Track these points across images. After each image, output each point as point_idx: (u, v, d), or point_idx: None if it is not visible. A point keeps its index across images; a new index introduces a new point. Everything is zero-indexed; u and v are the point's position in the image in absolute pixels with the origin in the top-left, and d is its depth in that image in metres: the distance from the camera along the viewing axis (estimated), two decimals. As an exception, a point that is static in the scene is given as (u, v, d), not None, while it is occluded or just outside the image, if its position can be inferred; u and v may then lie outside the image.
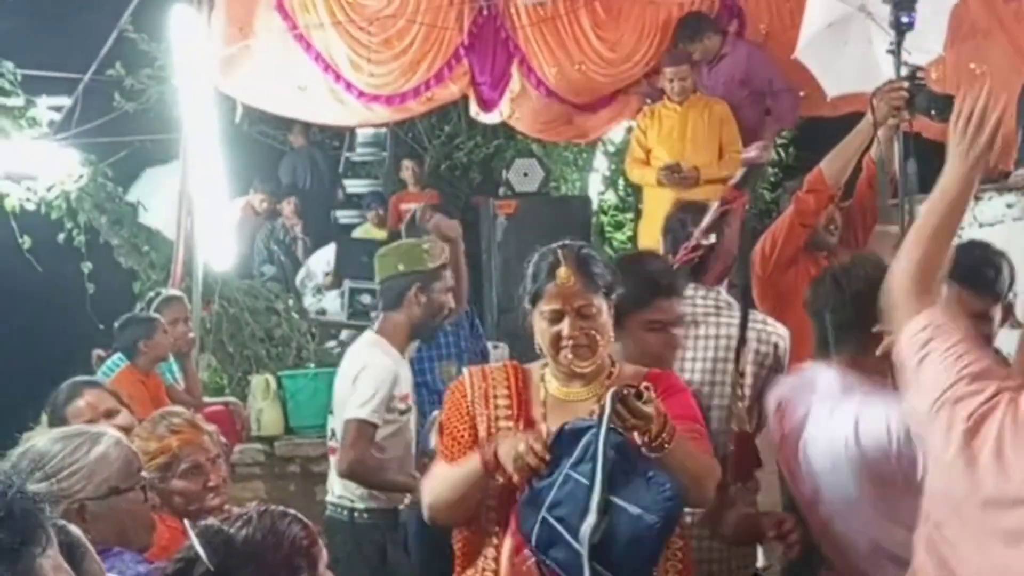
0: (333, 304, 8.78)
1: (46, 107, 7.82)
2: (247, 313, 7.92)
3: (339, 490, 4.59)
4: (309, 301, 8.99)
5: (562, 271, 3.01)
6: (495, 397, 3.08)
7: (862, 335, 3.04)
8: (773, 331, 3.95)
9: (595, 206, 10.01)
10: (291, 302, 8.41)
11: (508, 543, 2.99)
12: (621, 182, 10.49)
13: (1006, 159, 7.01)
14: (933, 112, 4.71)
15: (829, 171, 4.94)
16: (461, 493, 3.01)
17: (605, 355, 3.09)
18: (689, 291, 3.87)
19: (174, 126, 7.80)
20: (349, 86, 7.90)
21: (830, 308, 3.20)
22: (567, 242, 3.14)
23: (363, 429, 4.37)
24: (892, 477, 2.88)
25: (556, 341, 3.02)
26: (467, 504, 3.03)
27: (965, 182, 2.59)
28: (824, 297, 3.24)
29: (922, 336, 2.45)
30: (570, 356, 3.01)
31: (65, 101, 7.90)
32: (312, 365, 7.69)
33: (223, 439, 5.37)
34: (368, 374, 4.42)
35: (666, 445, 2.83)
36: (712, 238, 3.95)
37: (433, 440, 3.32)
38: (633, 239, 9.02)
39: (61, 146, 7.72)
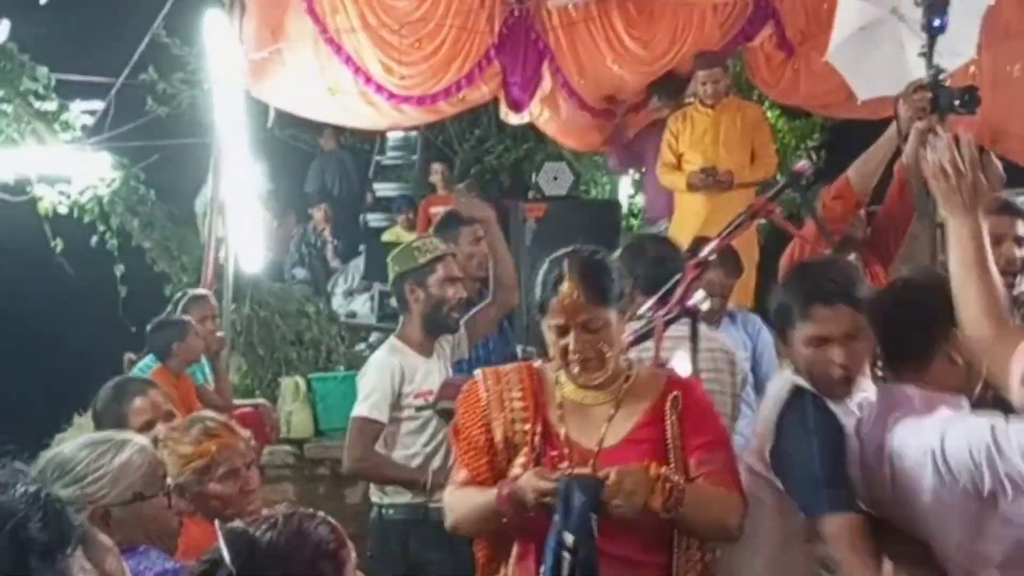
0: (363, 307, 8.81)
1: (79, 111, 7.89)
2: (278, 316, 7.94)
3: (371, 489, 4.65)
4: (339, 304, 9.02)
5: (565, 286, 2.93)
6: (510, 400, 3.03)
7: (930, 349, 2.94)
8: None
9: (625, 209, 9.99)
10: (321, 305, 8.43)
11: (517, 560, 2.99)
12: (651, 186, 10.46)
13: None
14: (959, 106, 4.68)
15: (856, 178, 4.90)
16: (478, 520, 3.01)
17: (616, 364, 3.03)
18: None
19: (206, 130, 7.83)
20: (380, 88, 7.91)
21: (897, 321, 3.03)
22: (576, 249, 3.07)
23: (363, 426, 4.41)
24: (979, 494, 2.81)
25: (563, 354, 2.98)
26: (487, 528, 3.03)
27: (974, 229, 2.66)
28: (887, 311, 3.08)
29: None
30: (577, 369, 2.97)
31: (98, 105, 7.97)
32: (342, 368, 7.70)
33: (253, 442, 5.47)
34: (367, 372, 4.53)
35: (679, 508, 2.83)
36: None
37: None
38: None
39: (94, 150, 7.77)
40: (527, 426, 3.00)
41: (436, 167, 10.44)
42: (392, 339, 4.63)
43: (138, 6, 8.24)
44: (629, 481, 2.77)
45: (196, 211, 8.79)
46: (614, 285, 3.00)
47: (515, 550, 3.00)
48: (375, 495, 4.61)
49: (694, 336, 3.54)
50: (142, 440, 2.95)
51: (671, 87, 7.94)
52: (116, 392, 4.15)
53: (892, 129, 4.82)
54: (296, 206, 10.57)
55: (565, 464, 2.93)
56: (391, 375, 4.45)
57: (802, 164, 4.40)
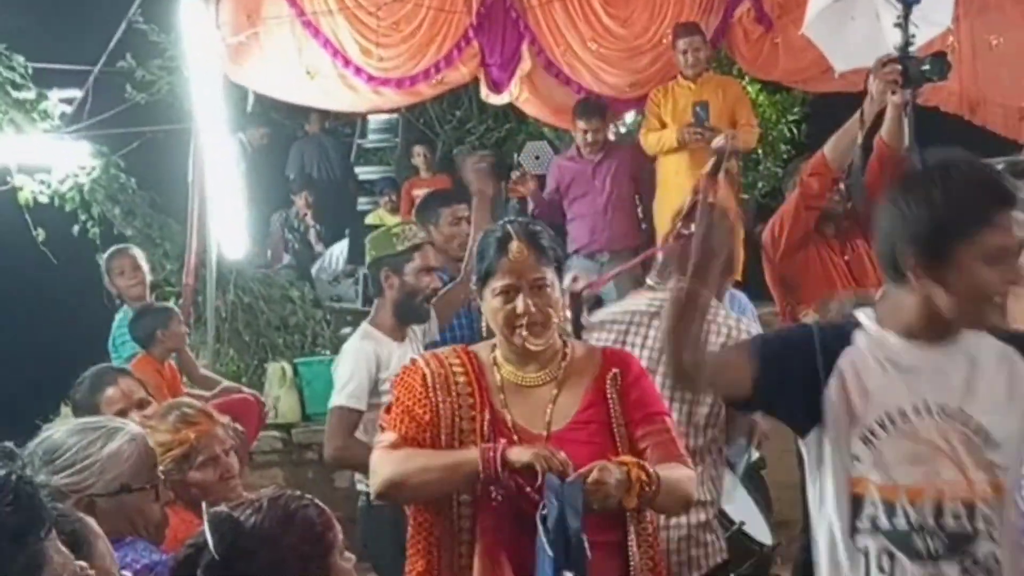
0: (348, 291, 8.81)
1: (57, 100, 7.86)
2: (262, 301, 7.94)
3: (357, 476, 4.63)
4: (323, 288, 9.02)
5: (514, 244, 2.96)
6: (456, 384, 2.99)
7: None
8: (724, 321, 3.79)
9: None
10: (306, 290, 8.43)
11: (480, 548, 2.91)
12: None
13: (1016, 132, 6.99)
14: (928, 74, 4.69)
15: (832, 154, 4.92)
16: (439, 480, 2.89)
17: (556, 336, 3.04)
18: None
19: (186, 116, 7.81)
20: (358, 71, 7.89)
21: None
22: (512, 218, 3.14)
23: (342, 415, 4.36)
24: None
25: (511, 320, 2.96)
26: (438, 491, 2.93)
27: None
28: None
29: None
30: (525, 334, 2.96)
31: (76, 94, 7.94)
32: (328, 352, 7.70)
33: (239, 428, 5.46)
34: (342, 360, 4.47)
35: (655, 498, 2.84)
36: (691, 228, 3.87)
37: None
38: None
39: (73, 139, 7.74)
40: (474, 412, 2.96)
41: (417, 149, 10.42)
42: (365, 325, 4.60)
43: (113, -6, 8.21)
44: (610, 486, 2.75)
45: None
46: (556, 247, 3.07)
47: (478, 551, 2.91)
48: (361, 483, 4.60)
49: None
50: (135, 429, 2.90)
51: (591, 108, 7.91)
52: (90, 382, 4.15)
53: (865, 104, 4.83)
54: (278, 191, 10.51)
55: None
56: (367, 362, 4.43)
57: (719, 143, 4.41)
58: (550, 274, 2.99)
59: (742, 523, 4.07)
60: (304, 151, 10.92)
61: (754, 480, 5.17)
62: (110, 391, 4.06)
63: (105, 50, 7.97)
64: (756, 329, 5.52)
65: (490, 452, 2.84)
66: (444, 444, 2.94)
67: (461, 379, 3.00)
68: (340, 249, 9.48)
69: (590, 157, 7.82)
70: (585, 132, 7.82)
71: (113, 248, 6.87)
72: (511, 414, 2.98)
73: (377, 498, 3.10)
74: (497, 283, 2.98)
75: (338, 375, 4.46)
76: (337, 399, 4.39)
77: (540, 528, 2.73)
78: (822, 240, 5.19)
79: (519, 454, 2.81)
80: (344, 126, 11.58)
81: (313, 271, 9.56)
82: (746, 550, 4.16)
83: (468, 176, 5.03)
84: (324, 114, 10.63)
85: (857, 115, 4.97)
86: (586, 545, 2.68)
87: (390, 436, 2.99)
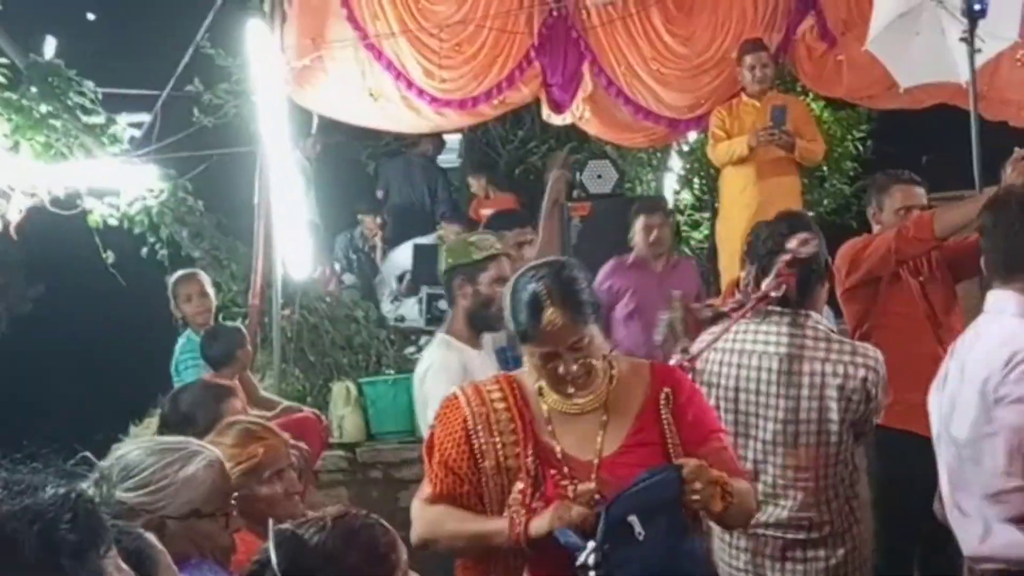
0: (411, 311, 8.84)
1: (126, 124, 7.99)
2: (327, 321, 7.99)
3: None
4: (387, 308, 9.05)
5: (548, 314, 2.84)
6: (498, 423, 2.92)
7: None
8: (862, 361, 3.76)
9: (670, 205, 9.96)
10: (370, 310, 8.47)
11: None
12: (696, 181, 10.44)
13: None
14: None
15: (941, 225, 4.83)
16: (467, 548, 2.91)
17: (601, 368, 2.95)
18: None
19: (252, 139, 7.90)
20: (421, 92, 7.94)
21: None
22: (548, 265, 2.97)
23: None
24: None
25: (553, 379, 2.90)
26: (469, 553, 2.93)
27: None
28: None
29: None
30: (571, 391, 2.90)
31: (145, 118, 8.06)
32: (391, 371, 7.73)
33: (303, 446, 5.50)
34: (431, 374, 4.41)
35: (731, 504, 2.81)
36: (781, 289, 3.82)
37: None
38: (711, 237, 8.95)
39: (142, 162, 7.85)
40: (518, 449, 2.89)
41: (472, 180, 10.38)
42: (442, 335, 4.57)
43: (182, 19, 8.33)
44: (707, 472, 2.72)
45: None
46: (590, 298, 2.94)
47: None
48: None
49: None
50: (214, 454, 2.89)
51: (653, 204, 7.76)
52: (212, 392, 4.19)
53: (989, 191, 4.72)
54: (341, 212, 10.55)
55: (566, 482, 2.84)
56: (457, 371, 4.41)
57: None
58: (588, 330, 2.89)
59: None
60: (389, 171, 10.94)
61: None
62: (237, 403, 4.11)
63: (173, 75, 8.09)
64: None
65: (516, 528, 2.79)
66: (491, 487, 2.90)
67: (504, 415, 2.94)
68: (399, 264, 9.50)
69: (655, 266, 6.96)
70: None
71: (180, 273, 6.95)
72: (560, 443, 2.92)
73: (416, 548, 3.04)
74: (536, 348, 2.90)
75: (432, 389, 4.35)
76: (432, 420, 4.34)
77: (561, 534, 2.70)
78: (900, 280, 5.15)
79: (538, 527, 2.75)
80: (408, 146, 11.61)
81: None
82: None
83: (552, 186, 4.91)
84: (437, 138, 10.64)
85: (980, 199, 4.85)
86: (639, 532, 2.64)
87: (429, 490, 2.97)
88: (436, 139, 10.62)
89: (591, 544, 2.64)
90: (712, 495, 2.72)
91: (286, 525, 2.18)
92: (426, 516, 2.96)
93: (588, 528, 2.69)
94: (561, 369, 2.87)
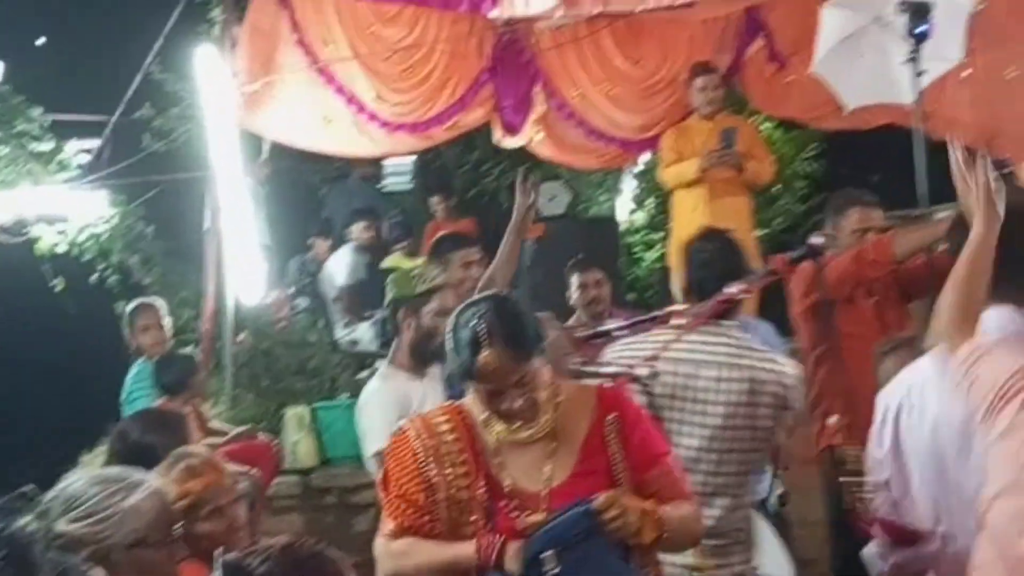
0: (365, 335, 8.81)
1: (76, 150, 7.92)
2: (280, 346, 7.94)
3: None
4: (340, 332, 9.02)
5: (484, 357, 2.81)
6: (447, 454, 2.89)
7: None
8: (788, 371, 3.81)
9: (624, 227, 9.99)
10: (324, 334, 8.43)
11: None
12: (650, 202, 10.47)
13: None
14: None
15: (901, 248, 4.89)
16: (440, 573, 2.88)
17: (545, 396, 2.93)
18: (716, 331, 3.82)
19: (203, 164, 7.86)
20: (373, 117, 7.94)
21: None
22: (489, 300, 2.94)
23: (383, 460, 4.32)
24: None
25: (498, 412, 2.88)
26: None
27: (988, 242, 2.84)
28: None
29: (968, 360, 2.63)
30: (516, 425, 2.88)
31: (94, 144, 8.00)
32: (346, 396, 7.68)
33: (254, 472, 5.44)
34: (367, 407, 4.48)
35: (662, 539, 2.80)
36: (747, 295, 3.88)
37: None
38: (663, 259, 8.99)
39: (91, 188, 7.80)
40: (469, 480, 2.87)
41: (434, 200, 10.37)
42: (384, 366, 4.61)
43: (132, 44, 8.27)
44: (619, 501, 2.71)
45: None
46: (533, 332, 2.90)
47: None
48: None
49: None
50: (157, 484, 2.89)
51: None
52: (162, 421, 4.16)
53: (949, 215, 4.75)
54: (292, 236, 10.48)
55: (516, 513, 2.84)
56: (394, 403, 4.42)
57: (817, 240, 4.43)
58: (531, 365, 2.86)
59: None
60: (332, 196, 10.91)
61: (776, 516, 5.11)
62: (189, 430, 4.09)
63: (123, 100, 8.04)
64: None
65: (486, 550, 2.78)
66: (444, 518, 2.88)
67: (454, 446, 2.91)
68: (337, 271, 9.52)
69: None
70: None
71: (137, 302, 6.88)
72: (509, 476, 2.90)
73: None
74: (479, 385, 2.88)
75: (367, 422, 4.43)
76: (375, 445, 4.31)
77: None
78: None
79: (511, 562, 2.74)
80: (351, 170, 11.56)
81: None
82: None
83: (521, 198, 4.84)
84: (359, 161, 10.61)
85: (939, 224, 4.88)
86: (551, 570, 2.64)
87: (391, 525, 2.94)
88: (374, 162, 10.60)
89: None
90: (637, 524, 2.72)
91: (232, 555, 2.16)
92: (391, 551, 2.93)
93: None
94: (505, 405, 2.86)
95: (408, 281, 4.59)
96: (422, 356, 4.54)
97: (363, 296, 9.72)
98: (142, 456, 3.78)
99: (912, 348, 3.79)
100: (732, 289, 3.77)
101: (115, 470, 2.99)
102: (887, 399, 3.14)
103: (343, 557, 2.22)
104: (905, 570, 3.20)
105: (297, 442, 7.21)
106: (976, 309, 2.74)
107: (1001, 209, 2.87)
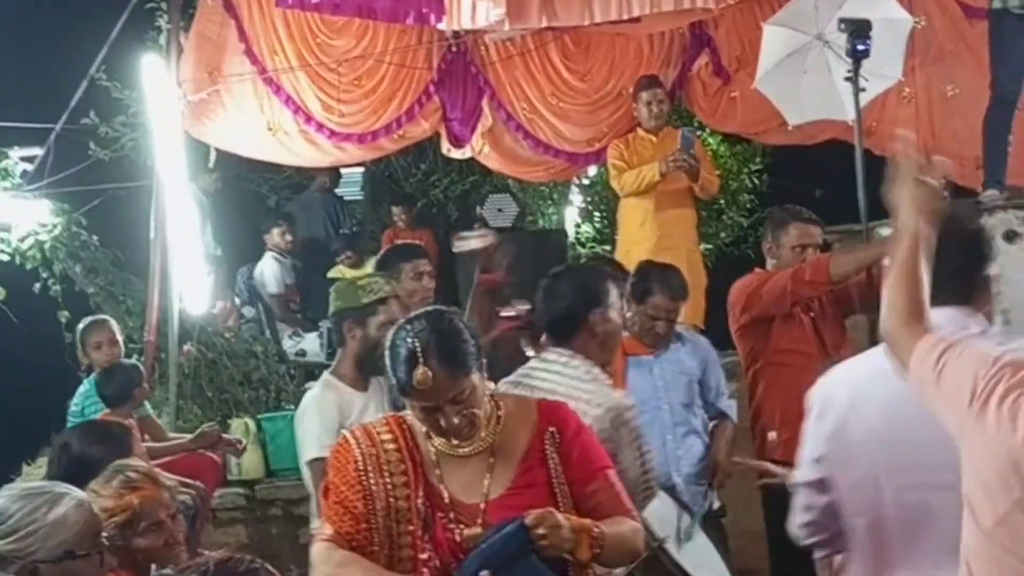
0: (312, 345, 8.78)
1: (18, 158, 7.84)
2: (225, 357, 7.90)
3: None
4: (288, 343, 8.99)
5: (418, 375, 2.80)
6: (388, 463, 2.89)
7: (974, 278, 2.91)
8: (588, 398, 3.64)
9: (571, 238, 10.05)
10: (270, 344, 8.40)
11: None
12: (597, 214, 10.55)
13: (973, 180, 7.09)
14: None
15: (837, 270, 4.94)
16: None
17: (485, 410, 2.93)
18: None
19: (148, 173, 7.81)
20: (320, 127, 7.94)
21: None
22: (427, 317, 2.92)
23: (323, 467, 4.25)
24: None
25: (436, 430, 2.88)
26: None
27: (919, 249, 2.72)
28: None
29: (934, 353, 2.51)
30: (455, 442, 2.88)
31: (38, 151, 7.92)
32: (292, 407, 7.64)
33: (199, 485, 5.42)
34: (307, 413, 4.39)
35: (600, 550, 2.80)
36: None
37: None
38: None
39: (34, 196, 7.72)
40: (408, 491, 2.87)
41: (396, 211, 10.36)
42: (326, 375, 4.58)
43: (77, 51, 8.21)
44: (551, 517, 2.71)
45: None
46: (470, 349, 2.88)
47: None
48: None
49: None
50: (80, 495, 2.87)
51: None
52: (104, 433, 4.12)
53: (889, 233, 4.81)
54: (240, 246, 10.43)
55: (453, 526, 2.84)
56: (333, 412, 4.39)
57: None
58: (469, 381, 2.84)
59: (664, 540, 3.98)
60: (292, 208, 10.90)
61: (715, 527, 5.17)
62: (132, 443, 4.03)
63: (67, 108, 7.97)
64: (718, 373, 5.52)
65: None
66: (381, 527, 2.86)
67: (394, 456, 2.91)
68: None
69: None
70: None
71: (90, 320, 6.78)
72: (448, 489, 2.90)
73: None
74: (415, 402, 2.88)
75: (305, 428, 4.36)
76: (312, 451, 4.25)
77: None
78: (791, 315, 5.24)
79: None
80: (309, 179, 11.55)
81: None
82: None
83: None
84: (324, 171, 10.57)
85: (875, 246, 4.98)
86: None
87: (330, 530, 2.91)
88: (332, 171, 10.57)
89: None
90: (571, 541, 2.71)
91: (167, 571, 2.16)
92: (332, 559, 2.88)
93: None
94: (443, 422, 2.86)
95: (353, 292, 4.55)
96: (365, 368, 4.52)
97: (302, 302, 9.76)
98: (83, 468, 3.76)
99: None
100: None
101: (37, 484, 2.98)
102: (824, 396, 3.04)
103: (277, 573, 2.22)
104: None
105: (245, 448, 7.17)
106: (925, 308, 2.66)
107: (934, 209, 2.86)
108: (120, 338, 6.71)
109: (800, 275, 4.99)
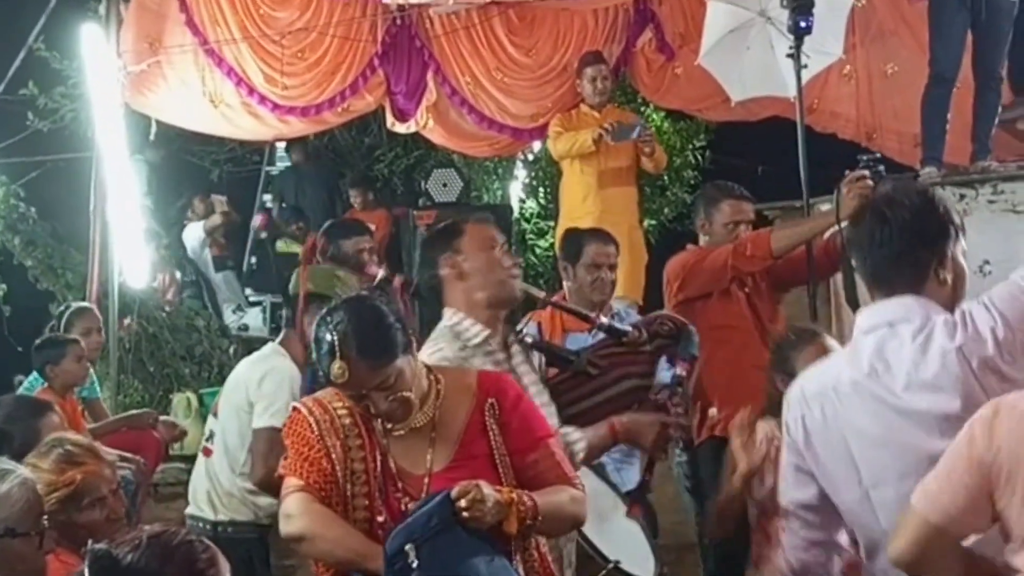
0: (255, 319, 8.75)
1: (-45, 129, 7.74)
2: (167, 331, 7.85)
3: (202, 502, 4.49)
4: (230, 318, 8.94)
5: (335, 368, 2.80)
6: (343, 427, 2.91)
7: (921, 265, 2.71)
8: None
9: (516, 214, 10.05)
10: (212, 319, 8.35)
11: None
12: (542, 190, 10.56)
13: (912, 157, 7.18)
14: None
15: (778, 244, 4.94)
16: (344, 560, 2.86)
17: (421, 387, 2.94)
18: None
19: (88, 144, 7.72)
20: (263, 99, 7.87)
21: (878, 243, 2.76)
22: (346, 307, 2.89)
23: (273, 436, 4.05)
24: None
25: (369, 413, 2.89)
26: (339, 567, 2.90)
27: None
28: (871, 232, 2.79)
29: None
30: (389, 426, 2.90)
31: (-27, 121, 7.82)
32: (234, 382, 7.62)
33: (140, 460, 5.36)
34: (272, 378, 4.32)
35: (533, 527, 2.83)
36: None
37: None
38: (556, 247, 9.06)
39: (-29, 168, 7.63)
40: (364, 453, 2.90)
41: (354, 192, 10.30)
42: (278, 346, 4.51)
43: (15, 21, 8.08)
44: (476, 490, 2.71)
45: None
46: (393, 338, 2.87)
47: None
48: (207, 511, 4.46)
49: None
50: (25, 473, 2.82)
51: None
52: (28, 407, 4.06)
53: (828, 208, 4.85)
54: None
55: (400, 496, 2.86)
56: (290, 383, 4.34)
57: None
58: (393, 369, 2.83)
59: (617, 562, 4.00)
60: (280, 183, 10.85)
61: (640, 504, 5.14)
62: (52, 416, 3.97)
63: (5, 78, 7.86)
64: None
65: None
66: (340, 489, 2.88)
67: (347, 420, 2.93)
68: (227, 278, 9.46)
69: None
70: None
71: (78, 306, 6.69)
72: (395, 460, 2.92)
73: (286, 539, 3.01)
74: (341, 392, 2.90)
75: (263, 393, 4.28)
76: (265, 419, 4.21)
77: None
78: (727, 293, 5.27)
79: None
80: (252, 152, 11.46)
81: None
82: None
83: None
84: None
85: (818, 215, 5.07)
86: (412, 561, 2.64)
87: (296, 482, 2.91)
88: (300, 147, 10.55)
89: None
90: (495, 513, 2.72)
91: (101, 545, 2.14)
92: (311, 511, 2.87)
93: None
94: (372, 409, 2.87)
95: (331, 281, 4.45)
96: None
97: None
98: (3, 442, 3.73)
99: (815, 342, 3.83)
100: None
101: None
102: (797, 418, 2.82)
103: (213, 547, 2.21)
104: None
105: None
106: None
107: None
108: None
109: (741, 250, 5.01)
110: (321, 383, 3.06)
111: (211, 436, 4.55)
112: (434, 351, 3.34)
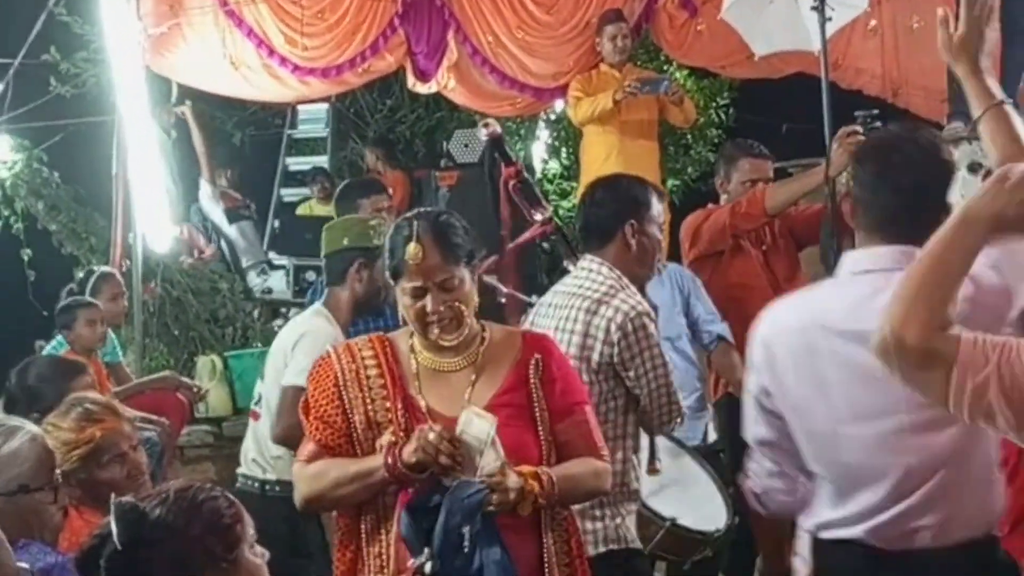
0: (279, 283, 8.75)
1: (-24, 94, 7.74)
2: (191, 294, 7.86)
3: (251, 462, 4.52)
4: (254, 281, 8.95)
5: (411, 248, 2.92)
6: (367, 378, 2.97)
7: (927, 215, 2.57)
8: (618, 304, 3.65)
9: (539, 175, 10.01)
10: (235, 282, 8.36)
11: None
12: (564, 151, 10.50)
13: (938, 113, 7.11)
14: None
15: (772, 202, 4.98)
16: (352, 492, 2.92)
17: (472, 323, 3.02)
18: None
19: (111, 108, 7.72)
20: (284, 60, 7.87)
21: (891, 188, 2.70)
22: (424, 210, 3.07)
23: (297, 395, 3.89)
24: None
25: (421, 316, 2.95)
26: (358, 499, 2.94)
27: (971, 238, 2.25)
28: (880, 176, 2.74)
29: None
30: (436, 331, 2.95)
31: (-2, 87, 7.81)
32: (258, 344, 7.64)
33: (165, 422, 5.38)
34: (307, 341, 4.25)
35: (553, 502, 2.88)
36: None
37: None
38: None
39: (-6, 133, 7.64)
40: (388, 403, 2.95)
41: (368, 153, 10.27)
42: (323, 308, 4.46)
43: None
44: (509, 489, 2.76)
45: None
46: (464, 243, 2.99)
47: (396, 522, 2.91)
48: (256, 471, 4.50)
49: None
50: (35, 428, 2.85)
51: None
52: (62, 368, 4.11)
53: (819, 167, 4.84)
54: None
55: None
56: (325, 344, 4.29)
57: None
58: (459, 272, 2.95)
59: (673, 520, 3.99)
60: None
61: (712, 460, 5.10)
62: (87, 379, 4.03)
63: (26, 42, 7.84)
64: (698, 295, 5.48)
65: (389, 457, 2.84)
66: (362, 440, 2.94)
67: (373, 371, 2.99)
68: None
69: None
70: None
71: (101, 271, 6.72)
72: (427, 399, 2.97)
73: (302, 511, 3.12)
74: (406, 283, 2.96)
75: (296, 353, 4.24)
76: (298, 379, 4.08)
77: (404, 518, 2.76)
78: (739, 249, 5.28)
79: (408, 453, 2.80)
80: (274, 116, 11.44)
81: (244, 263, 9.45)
82: (688, 542, 4.04)
83: None
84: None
85: (810, 173, 5.10)
86: (467, 544, 2.69)
87: (308, 448, 3.00)
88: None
89: (426, 552, 2.71)
90: (515, 502, 2.78)
91: (127, 498, 2.15)
92: (308, 473, 2.98)
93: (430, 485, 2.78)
94: (429, 307, 2.92)
95: (365, 231, 4.39)
96: (364, 308, 4.42)
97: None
98: (35, 401, 3.76)
99: None
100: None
101: None
102: (764, 347, 2.81)
103: (238, 503, 2.22)
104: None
105: (209, 391, 7.15)
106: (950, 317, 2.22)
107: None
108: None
109: (737, 208, 5.07)
110: None
111: (259, 400, 4.56)
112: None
